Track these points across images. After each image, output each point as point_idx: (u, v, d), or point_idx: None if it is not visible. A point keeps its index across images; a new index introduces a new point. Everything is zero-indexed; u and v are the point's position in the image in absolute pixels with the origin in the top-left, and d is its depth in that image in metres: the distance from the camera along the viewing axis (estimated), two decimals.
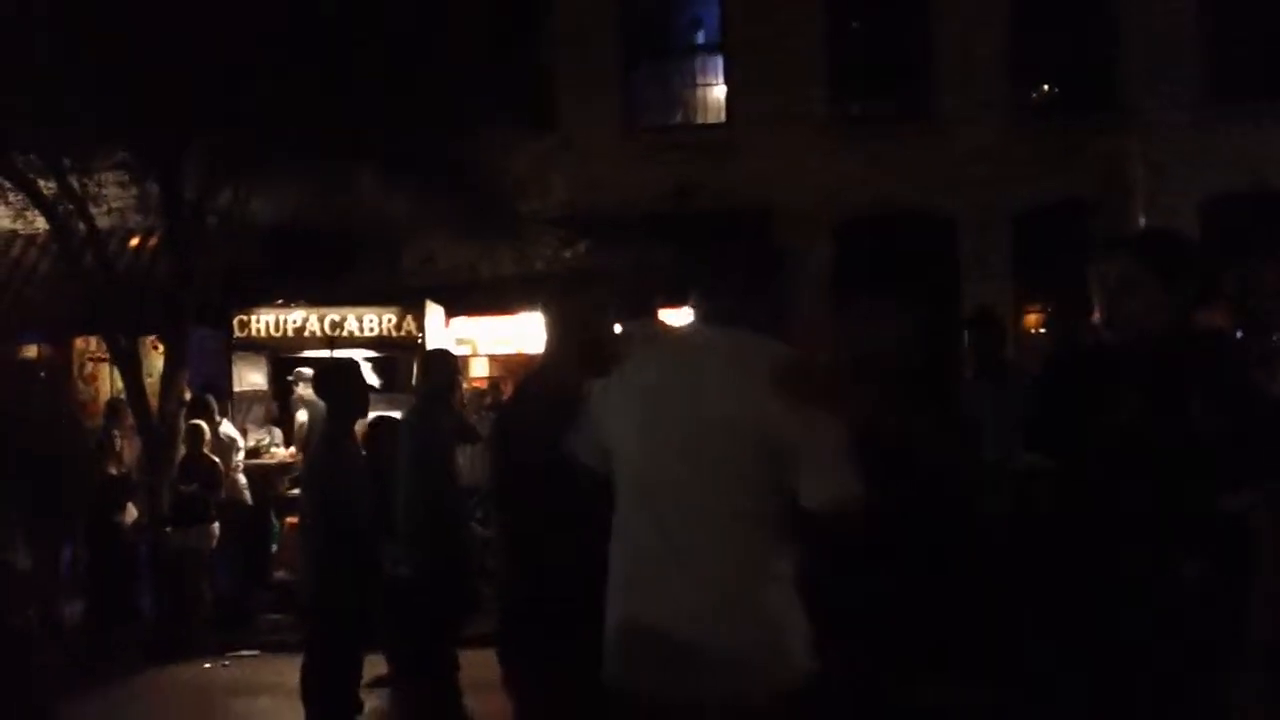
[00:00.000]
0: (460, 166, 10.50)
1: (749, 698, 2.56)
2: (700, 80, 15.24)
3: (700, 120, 15.19)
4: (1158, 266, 3.07)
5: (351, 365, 5.71)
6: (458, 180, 10.56)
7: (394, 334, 11.43)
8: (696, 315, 2.89)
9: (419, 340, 11.25)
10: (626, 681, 2.68)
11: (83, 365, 14.08)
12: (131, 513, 9.56)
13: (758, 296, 2.84)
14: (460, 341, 12.31)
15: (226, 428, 10.35)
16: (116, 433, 10.04)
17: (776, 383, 2.60)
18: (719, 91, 15.11)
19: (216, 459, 9.40)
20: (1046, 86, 15.04)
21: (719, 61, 15.09)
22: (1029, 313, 14.91)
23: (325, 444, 5.39)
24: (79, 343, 13.68)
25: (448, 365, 6.92)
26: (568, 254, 11.79)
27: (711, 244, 3.06)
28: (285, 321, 11.41)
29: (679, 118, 15.29)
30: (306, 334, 11.41)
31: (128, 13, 8.72)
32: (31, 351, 14.18)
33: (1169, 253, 3.16)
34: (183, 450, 9.44)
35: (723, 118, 14.99)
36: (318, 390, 5.73)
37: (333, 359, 9.16)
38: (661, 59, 15.25)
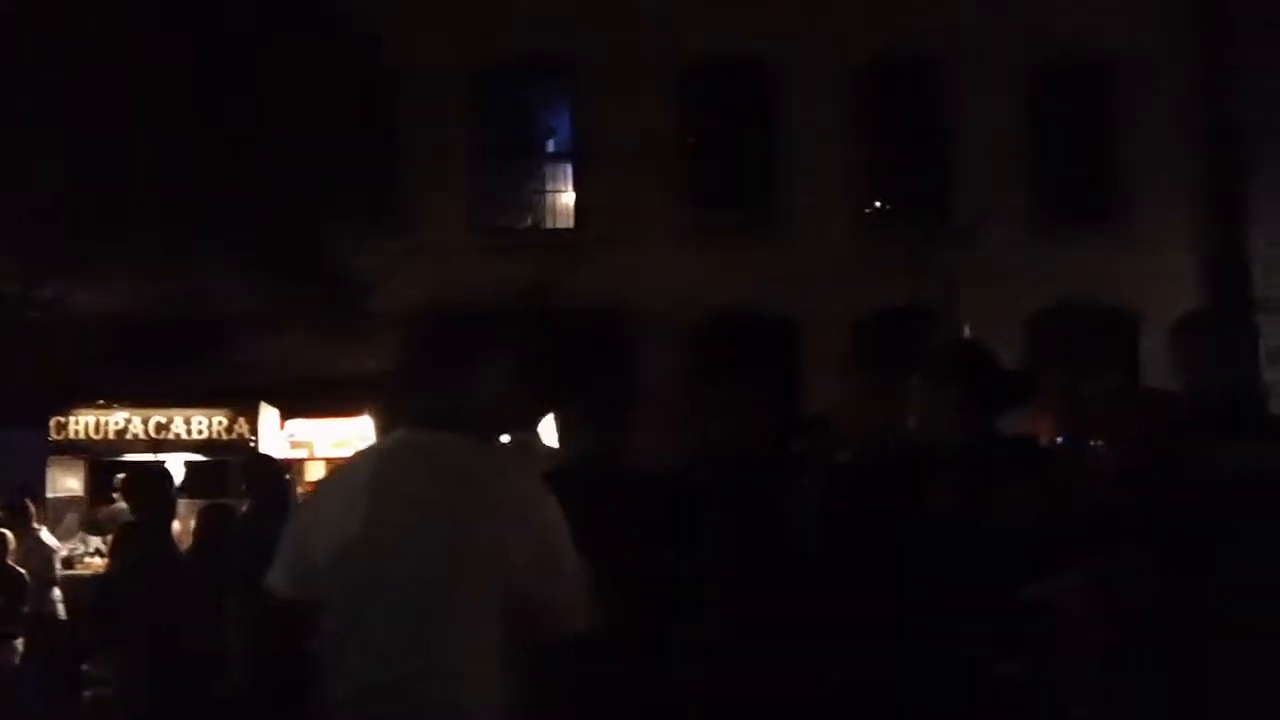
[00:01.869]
0: (304, 264, 10.31)
1: None
2: (552, 186, 15.40)
3: (551, 225, 15.32)
4: (953, 377, 3.26)
5: (161, 470, 5.46)
6: (300, 278, 10.36)
7: (224, 437, 11.03)
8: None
9: (251, 443, 10.88)
10: None
11: None
12: None
13: (454, 393, 2.58)
14: (296, 444, 11.93)
15: (45, 536, 9.76)
16: None
17: (493, 496, 2.44)
18: (569, 198, 15.27)
19: (21, 570, 8.81)
20: (887, 198, 15.59)
21: (569, 168, 15.27)
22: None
23: (143, 556, 5.10)
24: None
25: (271, 472, 6.60)
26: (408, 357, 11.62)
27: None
28: (106, 423, 10.91)
29: (530, 221, 15.40)
30: (129, 436, 10.94)
31: None
32: None
33: (964, 364, 3.35)
34: None
35: (572, 222, 15.15)
36: (124, 496, 5.43)
37: (138, 464, 8.77)
38: (514, 164, 15.36)
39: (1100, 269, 14.59)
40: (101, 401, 11.07)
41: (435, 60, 14.05)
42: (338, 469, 2.74)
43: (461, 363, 2.58)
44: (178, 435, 10.91)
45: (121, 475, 10.23)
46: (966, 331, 12.34)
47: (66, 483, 11.30)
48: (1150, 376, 14.10)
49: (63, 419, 10.97)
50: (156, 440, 10.84)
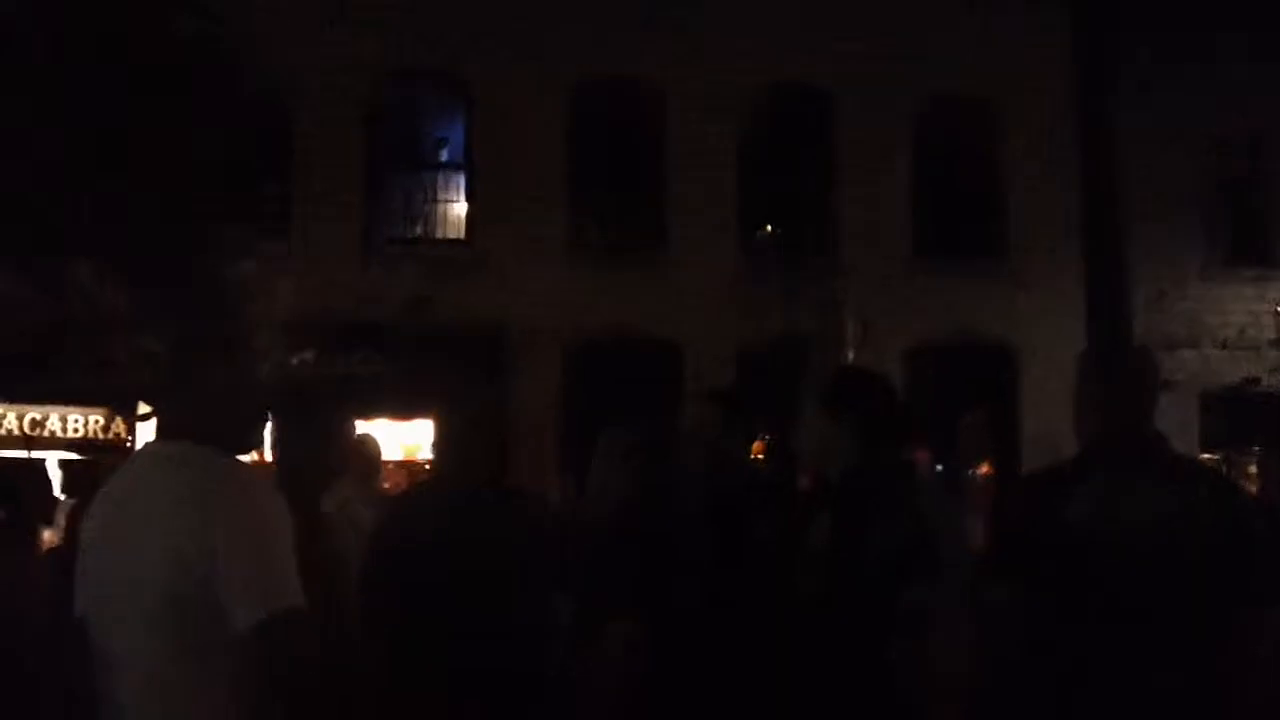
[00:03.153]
0: (183, 266, 10.11)
1: None
2: (443, 196, 15.34)
3: (441, 235, 15.26)
4: (840, 408, 3.35)
5: (37, 465, 5.29)
6: (178, 280, 10.16)
7: (101, 436, 10.76)
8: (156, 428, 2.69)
9: (128, 443, 10.63)
10: None
11: None
12: None
13: (190, 398, 2.57)
14: None
15: None
16: None
17: (196, 493, 2.40)
18: (460, 208, 15.23)
19: None
20: (770, 228, 15.87)
21: (462, 179, 15.24)
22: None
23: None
24: None
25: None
26: (294, 360, 11.48)
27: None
28: None
29: (419, 231, 15.33)
30: (3, 432, 10.62)
31: None
32: None
33: (850, 395, 3.43)
34: None
35: (463, 234, 15.13)
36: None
37: (12, 459, 8.52)
38: (405, 173, 15.27)
39: (980, 304, 15.07)
40: None
41: (329, 67, 13.95)
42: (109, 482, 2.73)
43: (186, 374, 2.58)
44: (53, 433, 10.65)
45: None
46: (850, 361, 12.62)
47: None
48: (1031, 410, 14.65)
49: None
50: (31, 437, 10.57)
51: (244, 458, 2.64)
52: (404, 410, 11.69)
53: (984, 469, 9.28)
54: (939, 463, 8.30)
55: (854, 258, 14.89)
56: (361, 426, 7.84)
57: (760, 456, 6.22)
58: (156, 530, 2.37)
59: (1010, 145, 15.70)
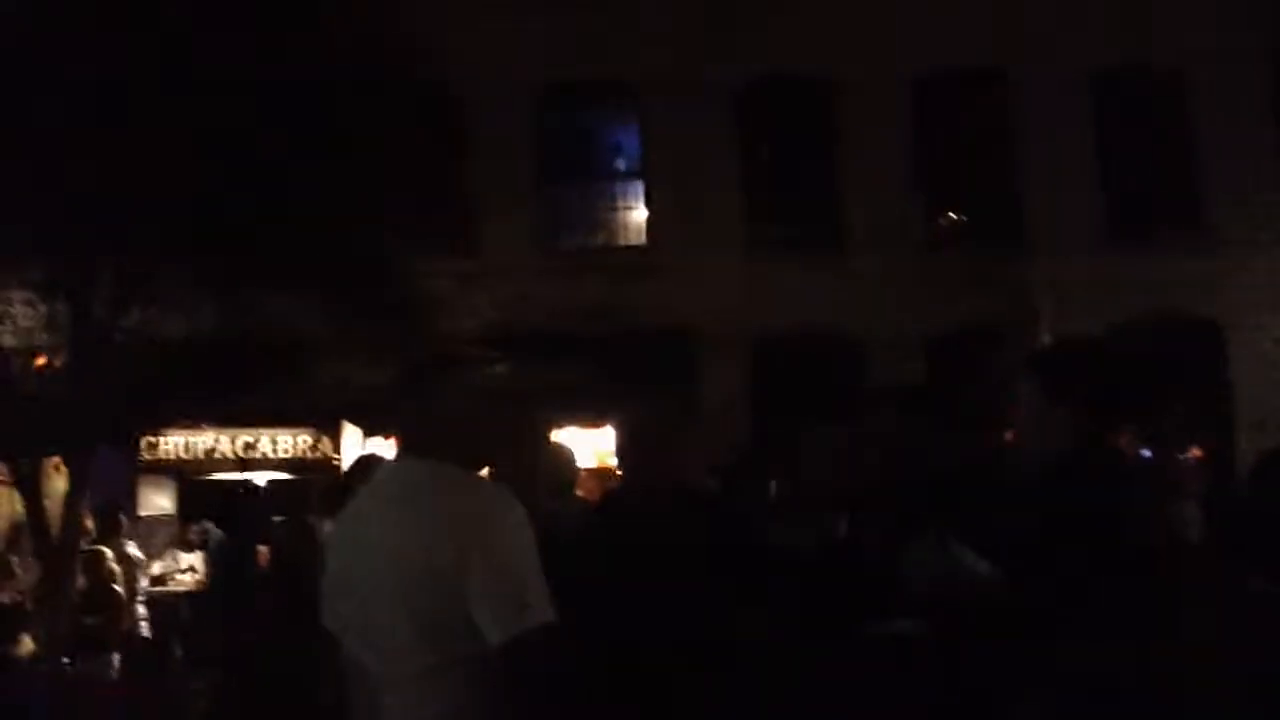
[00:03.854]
0: (378, 287, 10.46)
1: None
2: (621, 204, 15.49)
3: (620, 243, 15.41)
4: (1057, 388, 3.07)
5: (251, 487, 5.56)
6: (375, 301, 10.51)
7: (309, 455, 11.24)
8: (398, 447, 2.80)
9: (334, 461, 11.08)
10: None
11: None
12: (27, 644, 9.13)
13: (430, 418, 2.69)
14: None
15: (132, 549, 10.01)
16: (14, 559, 9.64)
17: (448, 513, 2.50)
18: (639, 215, 15.35)
19: (119, 589, 9.06)
20: (954, 216, 15.49)
21: (639, 186, 15.35)
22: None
23: (224, 575, 5.20)
24: None
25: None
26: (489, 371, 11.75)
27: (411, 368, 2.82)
28: (196, 443, 11.16)
29: (599, 240, 15.50)
30: (217, 455, 11.18)
31: (38, 139, 8.63)
32: None
33: (1068, 373, 3.14)
34: (82, 579, 9.08)
35: (643, 240, 15.21)
36: (215, 517, 5.50)
37: (231, 483, 8.97)
38: (582, 183, 15.48)
39: (1179, 280, 14.37)
40: (189, 422, 11.30)
41: (502, 81, 14.22)
42: (355, 498, 2.85)
43: (427, 394, 2.69)
44: (264, 454, 11.14)
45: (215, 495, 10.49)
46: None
47: (158, 501, 11.57)
48: (1242, 390, 13.92)
49: (153, 439, 11.22)
50: (244, 459, 11.08)
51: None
52: (594, 417, 11.84)
53: (1194, 453, 8.87)
54: (1145, 447, 7.98)
55: (1042, 239, 14.40)
56: (554, 435, 8.04)
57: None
58: (413, 549, 2.46)
59: (1204, 116, 14.94)
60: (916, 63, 14.80)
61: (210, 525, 10.06)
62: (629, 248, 15.33)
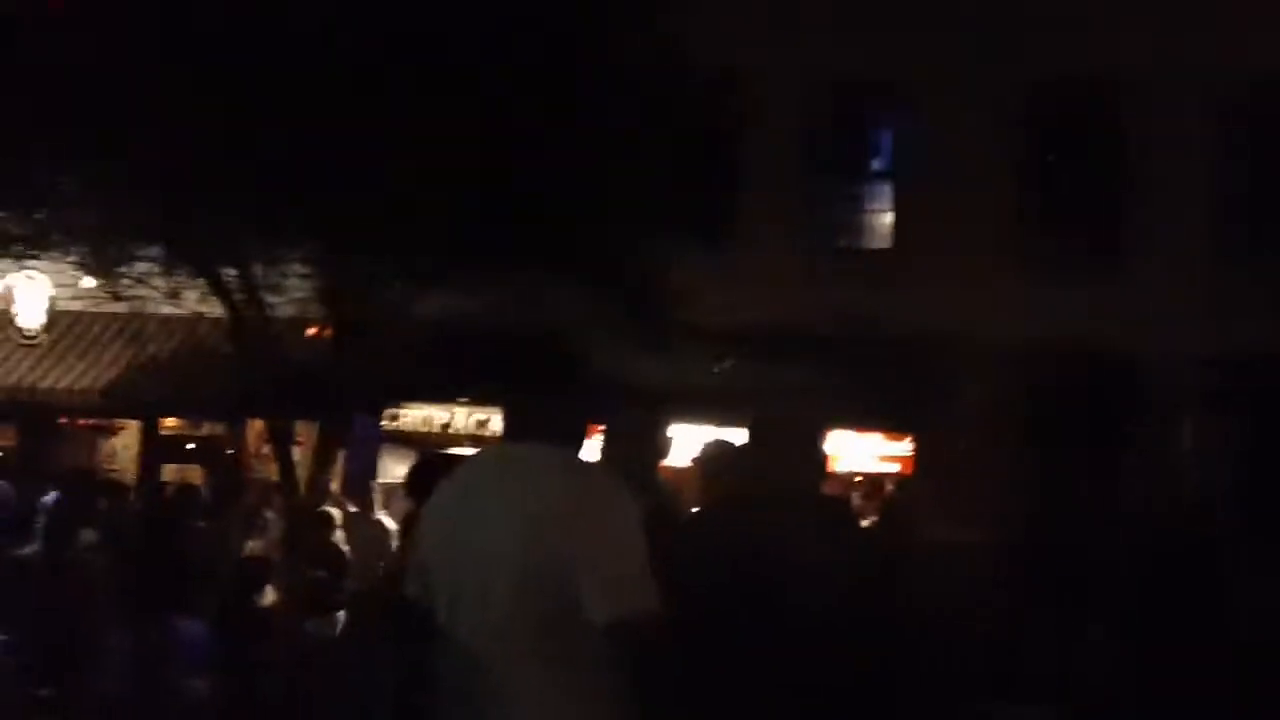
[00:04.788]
0: (620, 274, 10.53)
1: None
2: (873, 206, 15.05)
3: (871, 246, 14.97)
4: None
5: (439, 460, 5.66)
6: (616, 287, 10.58)
7: None
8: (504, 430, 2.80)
9: None
10: None
11: (259, 445, 14.65)
12: (270, 596, 9.70)
13: (549, 406, 2.69)
14: None
15: (384, 519, 10.48)
16: (268, 513, 10.30)
17: (559, 495, 2.53)
18: (888, 218, 14.88)
19: (344, 548, 9.51)
20: (1254, 227, 14.21)
21: (889, 188, 14.87)
22: None
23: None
24: (256, 423, 14.23)
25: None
26: (715, 369, 11.66)
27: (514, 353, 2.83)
28: (433, 417, 11.61)
29: (850, 242, 15.08)
30: (452, 431, 11.57)
31: (320, 116, 9.09)
32: (210, 429, 14.90)
33: None
34: (314, 539, 9.58)
35: (891, 244, 14.72)
36: (407, 489, 5.62)
37: (427, 455, 9.15)
38: (838, 183, 15.15)
39: None
40: (434, 398, 11.76)
41: (770, 75, 14.06)
42: (445, 481, 2.88)
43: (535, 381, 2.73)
44: (494, 432, 11.44)
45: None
46: None
47: (398, 471, 12.09)
48: None
49: (396, 411, 11.74)
50: (476, 435, 11.43)
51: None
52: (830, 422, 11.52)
53: None
54: None
55: None
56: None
57: None
58: (524, 525, 2.51)
59: None
60: (1219, 69, 13.64)
61: None
62: (877, 250, 14.85)
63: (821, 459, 3.71)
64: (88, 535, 8.20)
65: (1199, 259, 13.53)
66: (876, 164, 15.31)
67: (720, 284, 12.23)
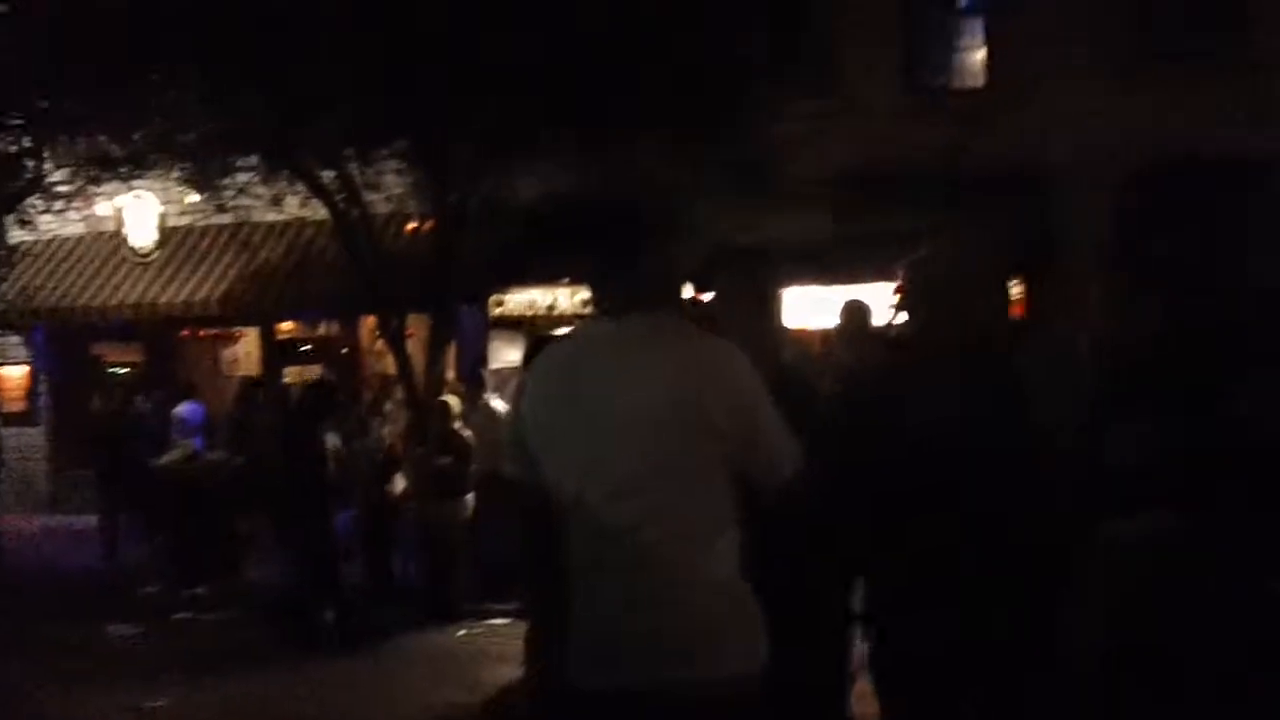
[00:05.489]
0: (724, 129, 10.35)
1: (693, 686, 2.52)
2: (969, 42, 14.47)
3: (968, 84, 14.42)
4: None
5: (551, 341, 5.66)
6: (729, 146, 10.42)
7: None
8: (595, 305, 2.76)
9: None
10: (585, 679, 2.63)
11: (372, 341, 15.02)
12: (399, 484, 10.06)
13: (639, 276, 2.63)
14: None
15: (496, 402, 10.69)
16: (388, 406, 10.59)
17: (700, 364, 2.56)
18: (981, 54, 14.31)
19: (467, 433, 9.73)
20: None
21: (980, 23, 14.26)
22: None
23: None
24: (369, 320, 14.55)
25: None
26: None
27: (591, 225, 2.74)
28: (538, 300, 11.71)
29: (952, 79, 14.48)
30: (557, 312, 11.66)
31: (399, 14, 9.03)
32: (324, 329, 15.29)
33: None
34: (436, 426, 9.83)
35: (987, 79, 14.11)
36: (525, 365, 5.68)
37: (538, 335, 9.22)
38: (933, 20, 14.56)
39: None
40: (536, 280, 11.84)
41: None
42: (543, 356, 2.86)
43: (621, 253, 2.65)
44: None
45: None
46: None
47: (508, 355, 12.32)
48: None
49: (500, 297, 11.87)
50: (581, 315, 11.49)
51: None
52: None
53: None
54: None
55: None
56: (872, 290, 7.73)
57: None
58: (657, 392, 2.52)
59: None
60: None
61: None
62: (975, 89, 14.28)
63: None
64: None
65: None
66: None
67: (822, 129, 11.92)
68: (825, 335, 10.95)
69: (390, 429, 10.55)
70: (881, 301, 5.74)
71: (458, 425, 9.70)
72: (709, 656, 2.53)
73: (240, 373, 16.23)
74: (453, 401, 9.86)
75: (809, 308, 11.35)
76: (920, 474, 3.15)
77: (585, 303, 11.53)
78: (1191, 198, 11.92)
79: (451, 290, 10.71)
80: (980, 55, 14.25)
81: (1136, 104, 12.72)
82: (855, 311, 6.34)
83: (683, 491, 2.53)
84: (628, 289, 2.64)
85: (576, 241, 2.89)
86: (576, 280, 11.74)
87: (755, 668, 2.57)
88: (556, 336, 10.81)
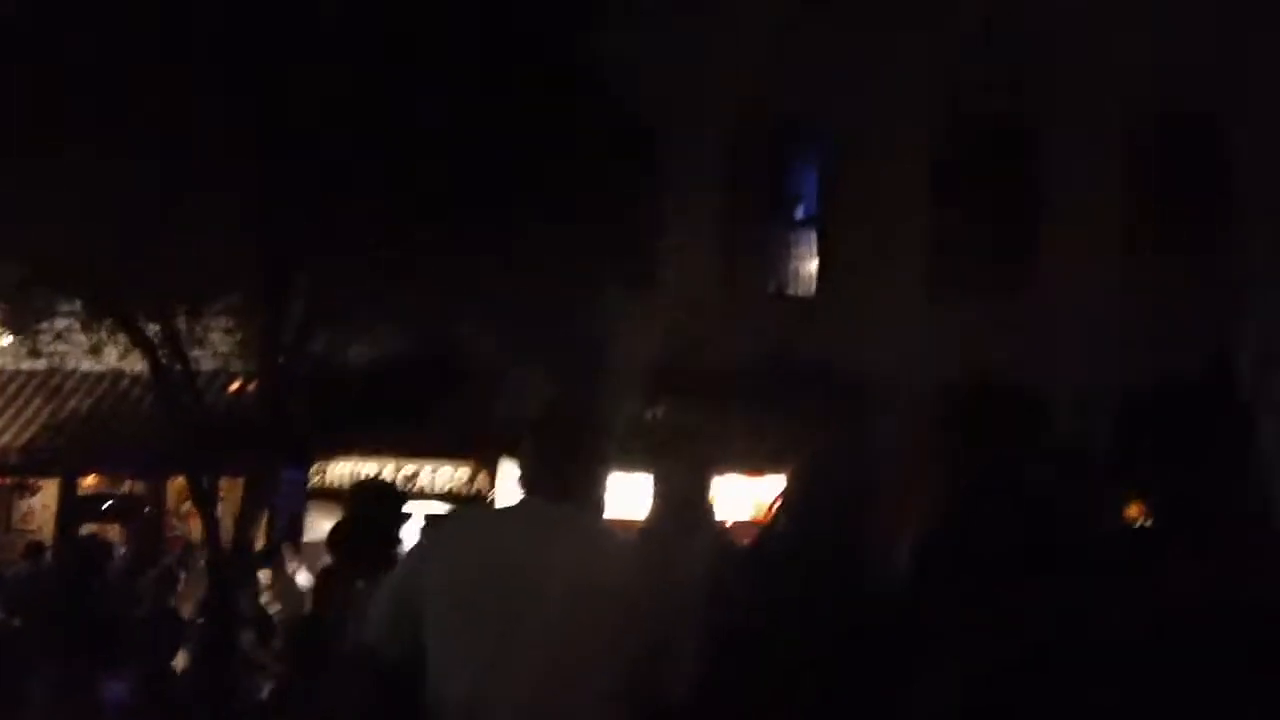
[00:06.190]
0: (546, 316, 10.51)
1: None
2: (797, 252, 15.21)
3: (793, 291, 15.11)
4: None
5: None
6: (542, 330, 10.56)
7: (465, 490, 11.45)
8: (523, 488, 2.80)
9: (489, 497, 11.24)
10: None
11: (180, 502, 14.42)
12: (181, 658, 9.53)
13: (577, 466, 2.75)
14: None
15: (300, 577, 10.32)
16: (182, 574, 10.12)
17: (623, 561, 2.64)
18: (812, 264, 15.08)
19: (271, 611, 9.36)
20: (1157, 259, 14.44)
21: (813, 235, 15.06)
22: None
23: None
24: (179, 480, 14.00)
25: None
26: (649, 415, 11.70)
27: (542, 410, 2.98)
28: (360, 472, 11.52)
29: (776, 284, 15.23)
30: None
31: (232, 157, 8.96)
32: (130, 487, 14.64)
33: None
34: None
35: (814, 289, 14.89)
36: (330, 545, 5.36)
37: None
38: (762, 228, 15.29)
39: None
40: (358, 451, 11.66)
41: (695, 112, 14.11)
42: (439, 529, 2.96)
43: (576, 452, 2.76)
44: (422, 488, 11.40)
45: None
46: None
47: (324, 526, 11.95)
48: None
49: (322, 465, 11.63)
50: (403, 491, 11.31)
51: None
52: (757, 465, 11.55)
53: None
54: None
55: None
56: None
57: None
58: (575, 594, 2.53)
59: None
60: (1125, 106, 14.05)
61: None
62: (799, 297, 15.02)
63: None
64: None
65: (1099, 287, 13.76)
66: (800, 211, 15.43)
67: (645, 323, 12.20)
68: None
69: (184, 596, 10.05)
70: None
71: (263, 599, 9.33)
72: None
73: (33, 527, 15.40)
74: (261, 575, 9.50)
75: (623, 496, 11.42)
76: None
77: (409, 478, 11.45)
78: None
79: (270, 455, 10.42)
80: (813, 265, 14.93)
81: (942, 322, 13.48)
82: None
83: (591, 692, 2.51)
84: (565, 478, 2.71)
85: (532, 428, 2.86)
86: (405, 454, 11.64)
87: None
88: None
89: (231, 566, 9.84)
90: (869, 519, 3.54)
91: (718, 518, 6.04)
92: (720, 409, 11.94)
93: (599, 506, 2.81)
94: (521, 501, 2.78)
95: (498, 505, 11.36)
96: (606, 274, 10.95)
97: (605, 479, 2.88)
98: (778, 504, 3.67)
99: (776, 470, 12.97)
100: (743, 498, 11.67)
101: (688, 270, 14.11)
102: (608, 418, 2.99)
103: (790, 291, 15.21)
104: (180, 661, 9.52)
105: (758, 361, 12.85)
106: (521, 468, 2.86)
